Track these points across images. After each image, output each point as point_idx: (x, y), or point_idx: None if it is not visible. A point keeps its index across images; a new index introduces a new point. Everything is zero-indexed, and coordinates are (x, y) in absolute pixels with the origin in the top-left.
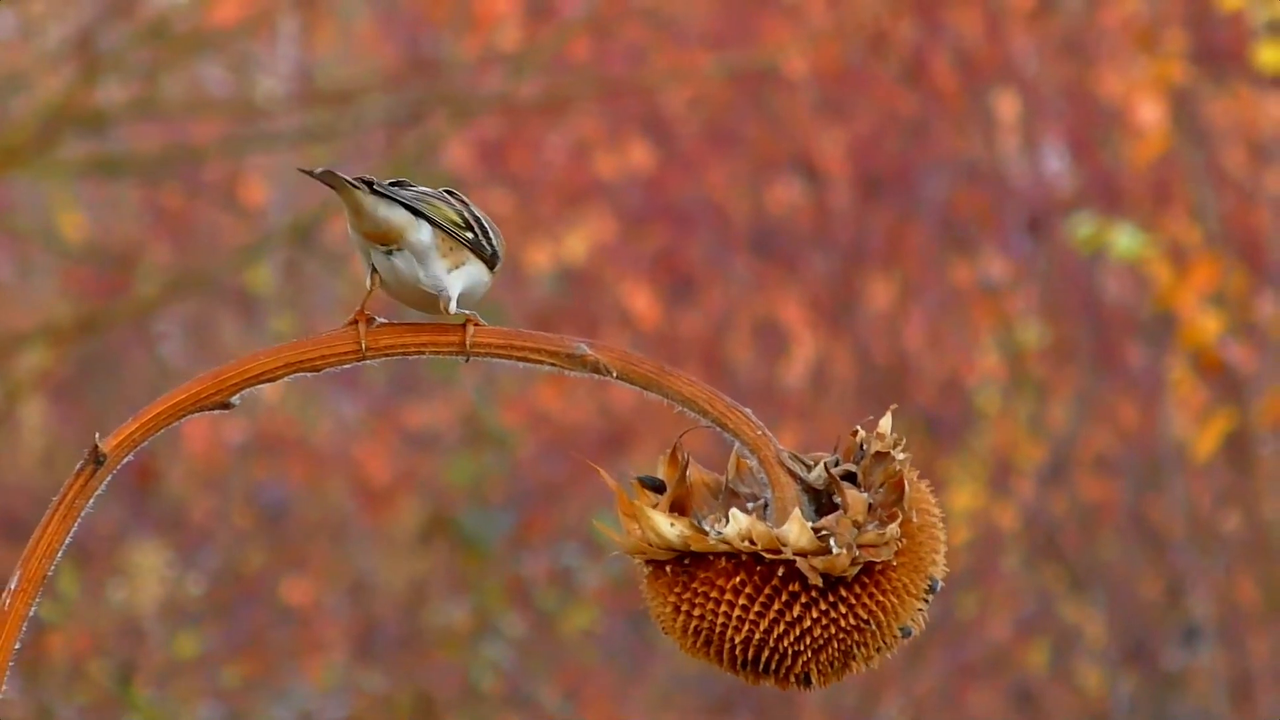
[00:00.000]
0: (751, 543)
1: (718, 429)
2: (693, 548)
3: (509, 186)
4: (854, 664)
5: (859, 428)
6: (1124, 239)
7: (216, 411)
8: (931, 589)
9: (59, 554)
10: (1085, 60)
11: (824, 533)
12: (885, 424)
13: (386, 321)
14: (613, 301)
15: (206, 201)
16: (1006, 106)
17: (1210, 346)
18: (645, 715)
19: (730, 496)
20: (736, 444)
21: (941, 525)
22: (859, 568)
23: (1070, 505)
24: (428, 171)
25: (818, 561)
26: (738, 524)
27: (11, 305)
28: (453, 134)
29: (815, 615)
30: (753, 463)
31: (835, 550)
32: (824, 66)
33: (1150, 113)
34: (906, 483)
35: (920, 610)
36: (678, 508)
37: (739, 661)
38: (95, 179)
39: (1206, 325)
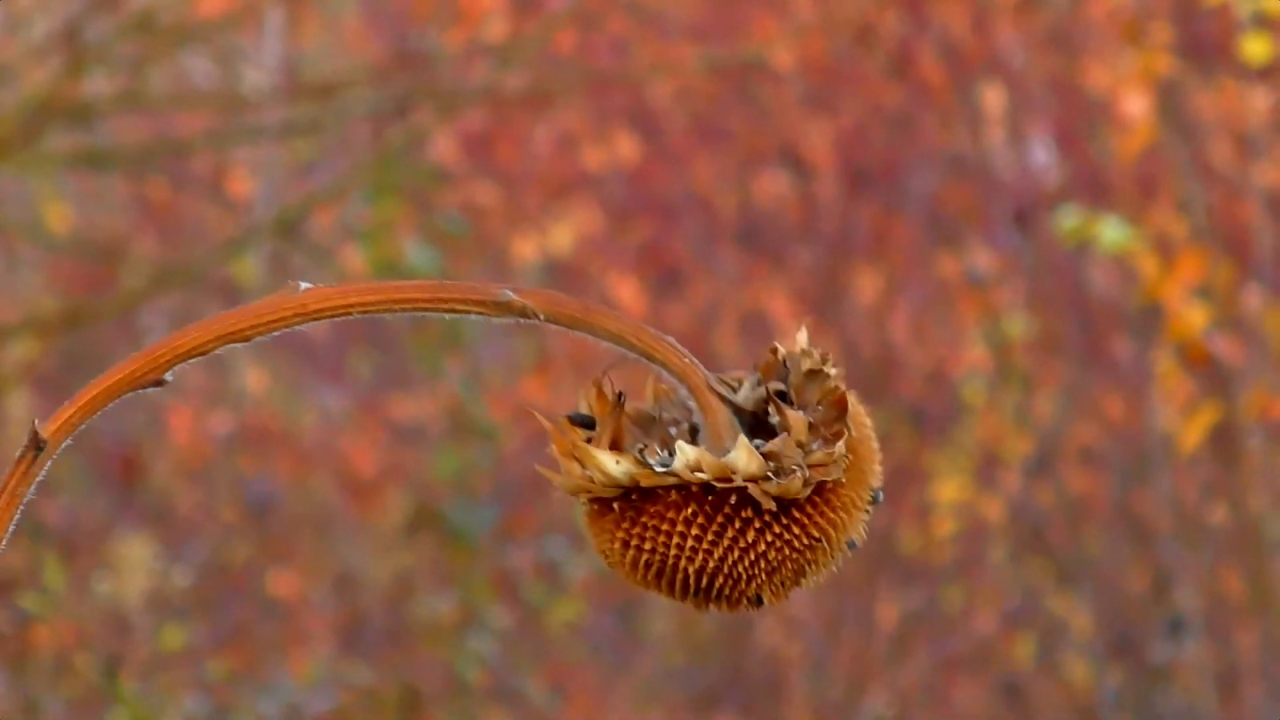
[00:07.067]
0: (701, 473)
1: (645, 361)
2: (641, 484)
3: (495, 179)
4: (804, 580)
5: (777, 345)
6: (1110, 232)
7: (151, 389)
8: (874, 499)
9: (3, 541)
10: (1071, 53)
11: (771, 457)
12: (802, 338)
13: (311, 285)
14: (599, 293)
15: (192, 194)
16: (993, 99)
17: (1197, 339)
18: (631, 708)
19: (658, 425)
20: (657, 370)
21: (874, 436)
22: (810, 489)
23: (1056, 498)
24: (414, 164)
25: (770, 486)
26: (685, 456)
27: None
28: (439, 127)
29: (770, 539)
30: (681, 391)
31: (786, 474)
32: (810, 60)
33: (1137, 105)
34: (849, 399)
35: (863, 522)
36: (614, 443)
37: (691, 589)
38: (81, 172)
39: (1193, 318)
